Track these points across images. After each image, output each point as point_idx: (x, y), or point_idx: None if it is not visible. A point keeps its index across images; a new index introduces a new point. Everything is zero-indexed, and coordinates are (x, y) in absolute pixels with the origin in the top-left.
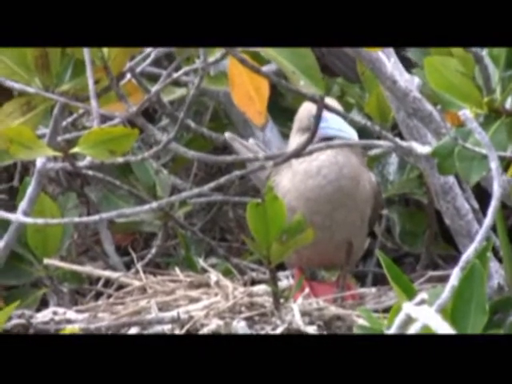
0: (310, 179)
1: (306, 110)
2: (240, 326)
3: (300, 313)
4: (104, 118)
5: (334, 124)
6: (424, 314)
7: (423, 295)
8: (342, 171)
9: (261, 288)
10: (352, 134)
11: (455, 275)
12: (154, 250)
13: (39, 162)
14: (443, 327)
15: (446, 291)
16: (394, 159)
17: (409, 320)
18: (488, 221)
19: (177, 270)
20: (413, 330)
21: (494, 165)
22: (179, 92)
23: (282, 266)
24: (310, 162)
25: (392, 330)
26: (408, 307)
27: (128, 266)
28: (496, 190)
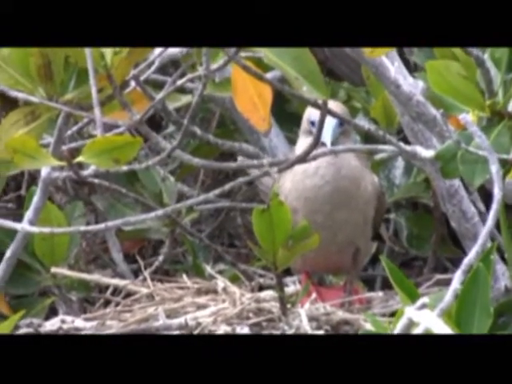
0: (308, 179)
1: (307, 112)
2: (244, 333)
3: (307, 318)
4: (110, 127)
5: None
6: (426, 317)
7: (424, 299)
8: (340, 172)
9: (268, 294)
10: (326, 142)
11: (457, 278)
12: (161, 258)
13: (44, 171)
14: (445, 331)
15: (448, 295)
16: (400, 163)
17: (411, 324)
18: (489, 224)
19: (184, 276)
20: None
21: (494, 168)
22: (185, 99)
23: (289, 272)
24: (310, 162)
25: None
26: (410, 311)
27: (136, 273)
28: (497, 193)
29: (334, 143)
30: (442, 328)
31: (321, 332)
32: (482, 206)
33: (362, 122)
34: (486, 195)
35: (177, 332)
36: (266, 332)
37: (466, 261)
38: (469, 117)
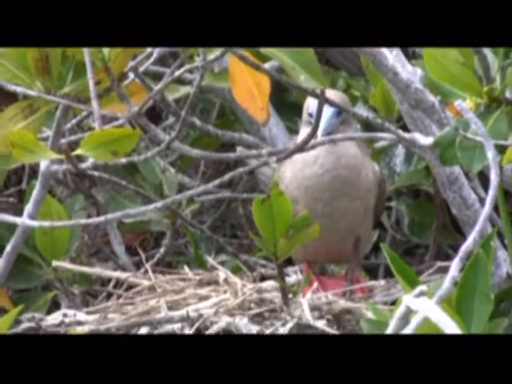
0: (307, 168)
1: (306, 104)
2: (243, 324)
3: (309, 307)
4: (109, 119)
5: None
6: (424, 305)
7: (422, 287)
8: (339, 160)
9: (270, 284)
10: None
11: (455, 266)
12: (163, 250)
13: (43, 164)
14: (443, 318)
15: (446, 282)
16: (400, 151)
17: (409, 312)
18: (486, 210)
19: (186, 268)
20: (413, 322)
21: (490, 154)
22: (184, 90)
23: (291, 262)
24: (308, 152)
25: (392, 323)
26: (408, 299)
27: (138, 265)
28: (493, 180)
29: (332, 132)
30: (439, 316)
31: (323, 321)
32: (482, 193)
33: (361, 110)
34: (486, 182)
35: (178, 324)
36: (267, 322)
37: (464, 248)
38: (464, 103)
